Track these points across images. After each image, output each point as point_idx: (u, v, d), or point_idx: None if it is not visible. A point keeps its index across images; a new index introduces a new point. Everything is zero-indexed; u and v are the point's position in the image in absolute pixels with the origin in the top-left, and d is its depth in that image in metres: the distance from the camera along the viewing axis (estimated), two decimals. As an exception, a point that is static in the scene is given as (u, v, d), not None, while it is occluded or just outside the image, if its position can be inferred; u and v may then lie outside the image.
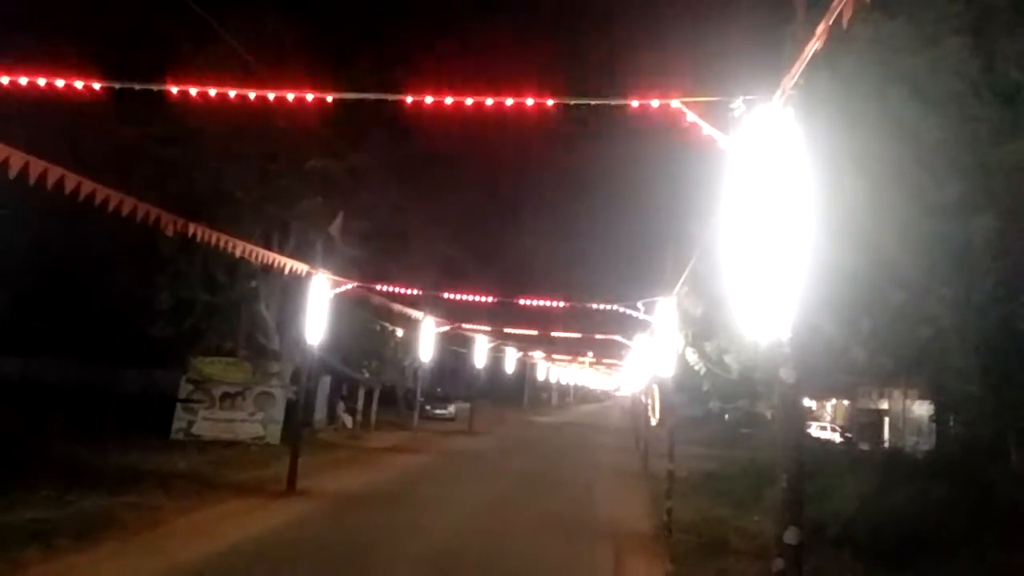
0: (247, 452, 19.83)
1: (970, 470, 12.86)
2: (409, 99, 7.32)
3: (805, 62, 4.98)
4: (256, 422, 21.95)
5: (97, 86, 7.40)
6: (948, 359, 12.37)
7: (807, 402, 37.12)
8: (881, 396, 34.54)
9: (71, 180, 7.96)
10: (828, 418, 42.69)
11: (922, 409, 27.15)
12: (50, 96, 7.56)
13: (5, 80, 7.37)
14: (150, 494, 12.80)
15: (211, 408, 21.88)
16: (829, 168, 7.46)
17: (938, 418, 20.68)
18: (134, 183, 11.30)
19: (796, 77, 5.18)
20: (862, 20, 8.45)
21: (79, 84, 7.34)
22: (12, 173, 7.29)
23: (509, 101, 7.05)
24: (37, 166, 7.52)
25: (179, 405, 21.68)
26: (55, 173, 7.74)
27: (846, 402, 41.03)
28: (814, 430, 35.60)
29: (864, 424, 35.79)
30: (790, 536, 5.25)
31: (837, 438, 34.84)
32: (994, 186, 9.86)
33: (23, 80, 7.34)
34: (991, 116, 9.70)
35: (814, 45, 4.74)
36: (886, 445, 29.58)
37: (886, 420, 34.19)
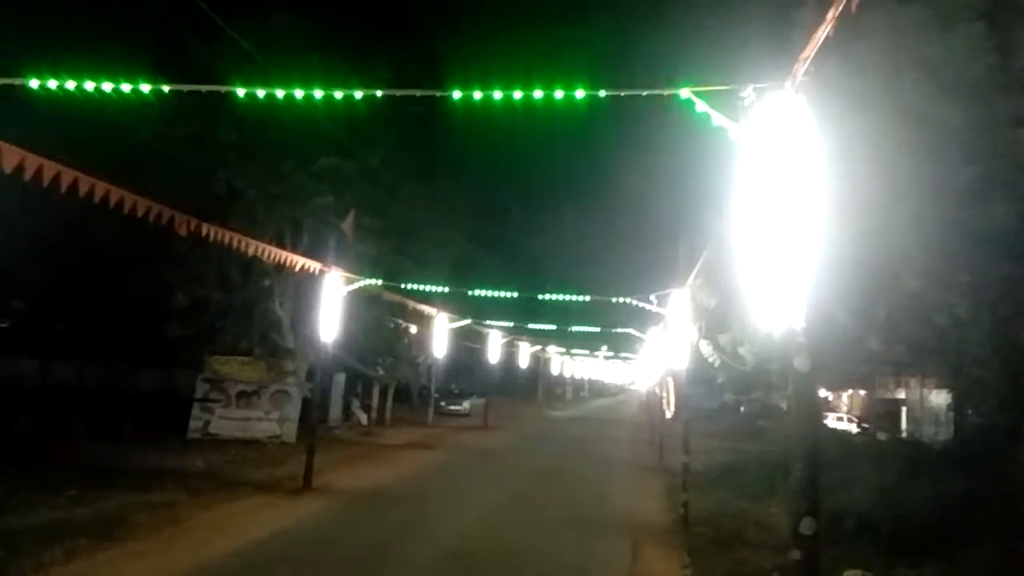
0: (263, 450, 19.96)
1: (989, 460, 12.75)
2: (418, 94, 7.31)
3: (816, 48, 4.94)
4: (272, 420, 22.07)
5: (108, 87, 7.43)
6: (965, 347, 12.25)
7: (823, 392, 36.94)
8: (898, 385, 34.29)
9: (85, 182, 8.01)
10: (844, 408, 42.47)
11: (940, 398, 26.94)
12: (61, 98, 7.59)
13: (16, 81, 7.42)
14: (170, 492, 12.92)
15: (227, 407, 22.00)
16: (842, 155, 7.39)
17: (956, 407, 20.51)
18: (147, 183, 11.34)
19: (807, 63, 5.13)
20: (874, 5, 8.36)
21: (90, 85, 7.36)
22: (27, 176, 7.35)
23: (518, 94, 7.01)
24: (51, 168, 7.57)
25: (196, 404, 21.80)
26: (69, 175, 7.79)
27: (862, 392, 40.77)
28: (830, 421, 35.47)
29: (881, 414, 35.51)
30: (806, 527, 5.22)
31: (854, 429, 34.70)
32: (1009, 171, 9.76)
33: (33, 82, 7.38)
34: (1006, 101, 9.59)
35: (825, 31, 4.70)
36: (904, 435, 29.40)
37: (903, 410, 33.94)
